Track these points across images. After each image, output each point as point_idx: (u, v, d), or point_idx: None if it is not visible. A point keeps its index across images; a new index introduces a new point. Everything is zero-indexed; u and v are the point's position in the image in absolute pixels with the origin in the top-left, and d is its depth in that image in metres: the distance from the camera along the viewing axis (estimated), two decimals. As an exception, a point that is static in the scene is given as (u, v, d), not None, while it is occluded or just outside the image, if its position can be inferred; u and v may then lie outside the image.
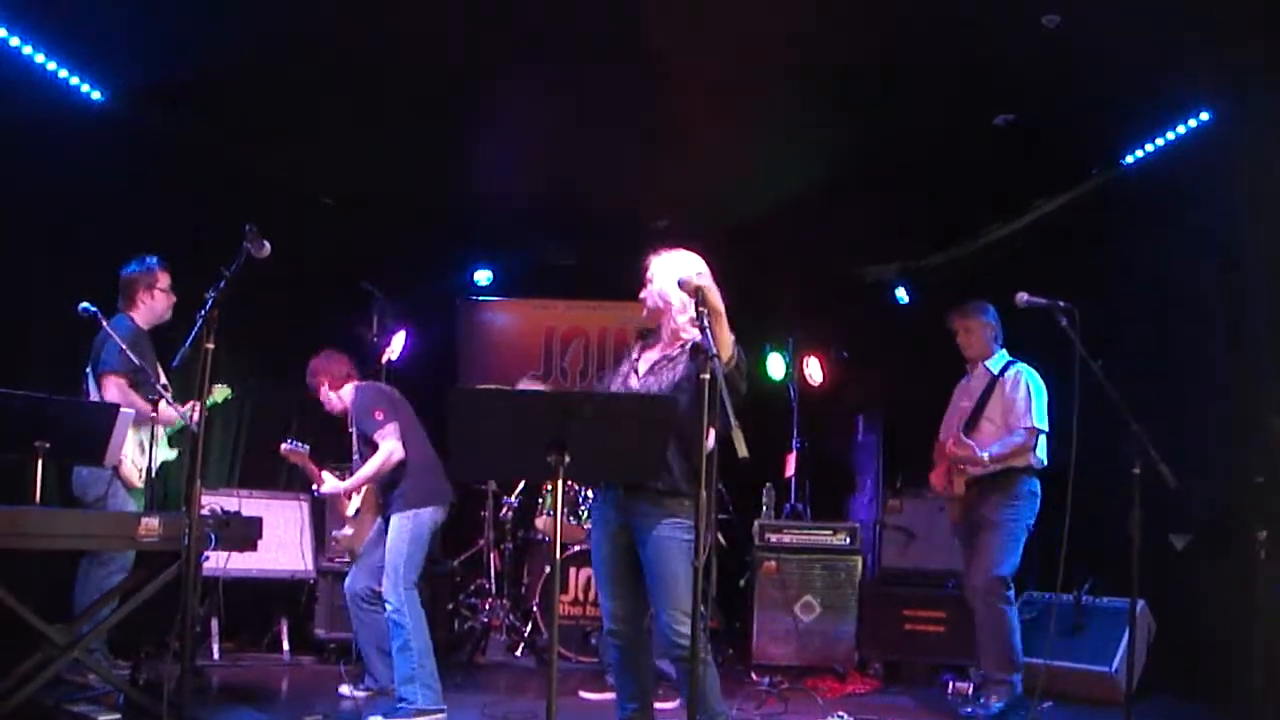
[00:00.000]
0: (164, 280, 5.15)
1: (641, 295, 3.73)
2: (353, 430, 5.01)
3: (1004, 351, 5.31)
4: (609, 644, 3.75)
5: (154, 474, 4.83)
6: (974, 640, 5.09)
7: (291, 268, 5.35)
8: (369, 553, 4.99)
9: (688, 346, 3.63)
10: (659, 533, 3.53)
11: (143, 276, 5.11)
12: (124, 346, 4.67)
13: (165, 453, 5.17)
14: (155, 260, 5.15)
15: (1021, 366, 5.22)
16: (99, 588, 4.68)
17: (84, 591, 4.72)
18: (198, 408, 4.96)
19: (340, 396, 5.06)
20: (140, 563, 4.28)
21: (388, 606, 4.63)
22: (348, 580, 5.05)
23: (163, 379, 5.14)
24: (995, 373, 5.25)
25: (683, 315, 3.62)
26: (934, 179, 6.37)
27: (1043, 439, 5.06)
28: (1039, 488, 5.07)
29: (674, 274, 3.58)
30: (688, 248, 3.72)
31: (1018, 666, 4.92)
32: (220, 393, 5.35)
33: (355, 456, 5.00)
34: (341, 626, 5.74)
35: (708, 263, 3.64)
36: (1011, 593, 4.96)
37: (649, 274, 3.69)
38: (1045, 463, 5.07)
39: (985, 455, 4.98)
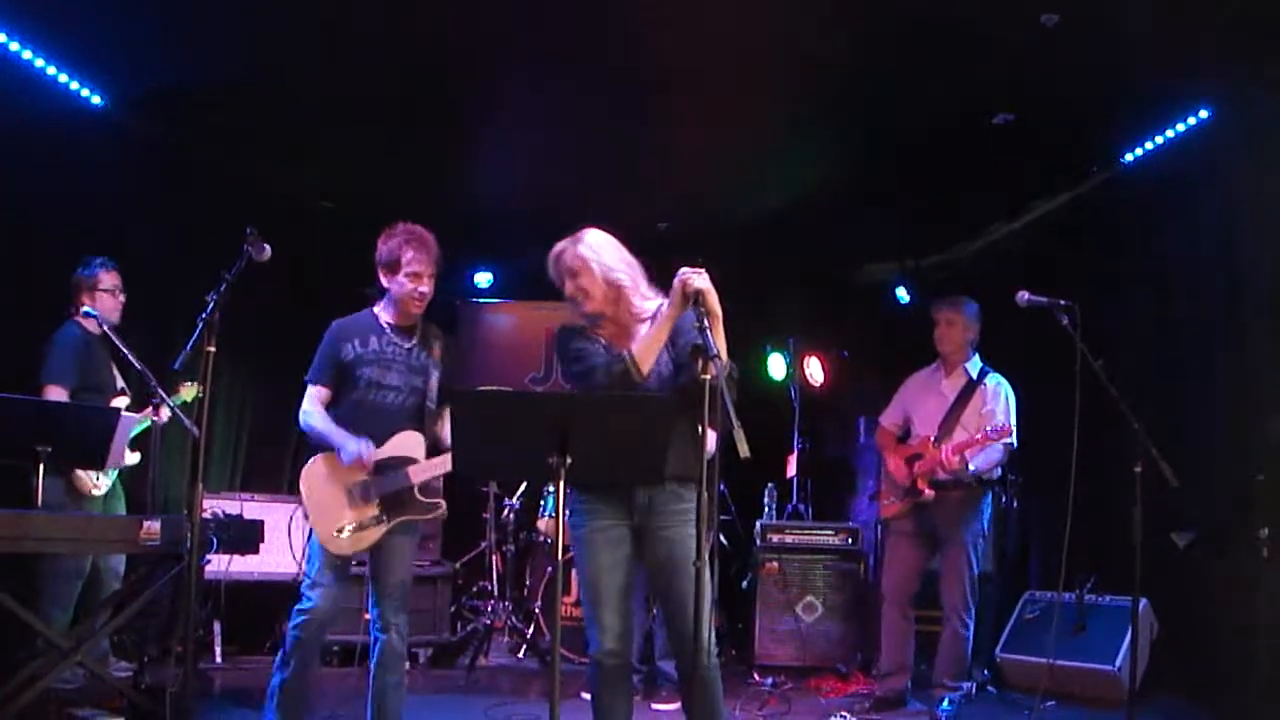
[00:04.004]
0: (107, 280, 5.08)
1: (574, 291, 3.29)
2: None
3: (977, 356, 5.30)
4: (601, 668, 3.18)
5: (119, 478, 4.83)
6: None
7: (291, 271, 5.34)
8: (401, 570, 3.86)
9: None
10: (680, 531, 3.18)
11: (85, 280, 5.06)
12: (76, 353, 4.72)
13: (128, 456, 5.14)
14: (100, 261, 5.09)
15: (999, 376, 5.22)
16: (55, 598, 4.70)
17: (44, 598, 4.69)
18: (162, 409, 4.99)
19: None
20: (142, 566, 4.27)
21: (399, 631, 3.80)
22: (386, 626, 3.76)
23: (119, 383, 5.12)
24: (974, 377, 5.21)
25: (636, 295, 3.29)
26: (933, 179, 6.37)
27: None
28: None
29: (609, 255, 3.33)
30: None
31: (969, 674, 5.25)
32: (189, 391, 5.28)
33: None
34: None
35: (707, 266, 3.27)
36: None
37: (574, 266, 3.31)
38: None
39: (973, 468, 4.99)
